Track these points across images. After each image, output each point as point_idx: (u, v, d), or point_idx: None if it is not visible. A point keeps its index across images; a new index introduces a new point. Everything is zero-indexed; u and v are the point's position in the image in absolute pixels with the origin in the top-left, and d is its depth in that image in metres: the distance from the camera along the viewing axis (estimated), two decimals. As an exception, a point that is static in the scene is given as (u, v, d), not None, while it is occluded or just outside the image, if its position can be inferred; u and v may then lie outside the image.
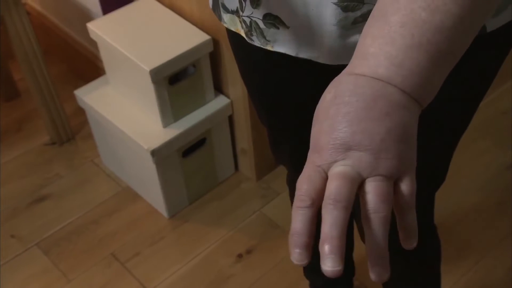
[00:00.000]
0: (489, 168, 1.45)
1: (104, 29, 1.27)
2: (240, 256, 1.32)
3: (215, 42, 1.27)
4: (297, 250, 0.38)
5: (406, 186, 0.40)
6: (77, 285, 1.28)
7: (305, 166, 0.40)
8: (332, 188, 0.37)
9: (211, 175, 1.43)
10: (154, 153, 1.25)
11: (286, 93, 0.73)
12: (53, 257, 1.33)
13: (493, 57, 0.62)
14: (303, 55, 0.60)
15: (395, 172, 0.39)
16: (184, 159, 1.34)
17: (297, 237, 0.38)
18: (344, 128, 0.39)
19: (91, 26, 1.28)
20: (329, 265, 0.36)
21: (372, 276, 0.38)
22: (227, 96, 1.35)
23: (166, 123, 1.28)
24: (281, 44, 0.60)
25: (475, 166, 1.46)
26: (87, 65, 1.65)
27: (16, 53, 1.40)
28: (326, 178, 0.39)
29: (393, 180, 0.40)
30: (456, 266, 1.26)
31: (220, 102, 1.34)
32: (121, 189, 1.47)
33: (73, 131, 1.59)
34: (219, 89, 1.36)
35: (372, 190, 0.38)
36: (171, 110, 1.27)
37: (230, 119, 1.39)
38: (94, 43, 1.41)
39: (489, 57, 0.61)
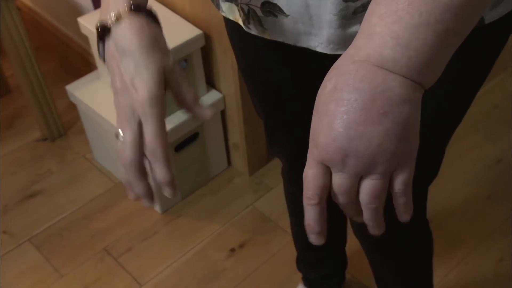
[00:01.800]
0: (480, 161, 1.47)
1: (95, 24, 1.27)
2: (233, 250, 1.32)
3: (206, 36, 1.26)
4: (313, 236, 0.45)
5: (401, 176, 0.42)
6: (69, 280, 1.28)
7: (308, 159, 0.43)
8: (335, 197, 0.43)
9: (203, 170, 1.44)
10: (146, 148, 1.24)
11: (283, 83, 0.72)
12: (45, 253, 1.33)
13: (490, 49, 0.62)
14: (302, 44, 0.60)
15: (392, 169, 0.41)
16: (176, 154, 1.34)
17: (310, 228, 0.44)
18: (343, 132, 0.40)
19: (82, 21, 1.28)
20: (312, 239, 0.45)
21: (371, 229, 0.45)
22: (219, 91, 1.35)
23: (158, 118, 1.28)
24: (279, 32, 0.59)
25: (466, 160, 1.47)
26: (78, 61, 1.64)
27: (7, 49, 1.39)
28: (328, 172, 0.42)
29: (390, 174, 0.42)
30: (448, 259, 1.27)
31: (212, 97, 1.34)
32: (113, 184, 1.46)
33: (65, 127, 1.58)
34: (211, 83, 1.36)
35: (366, 189, 0.42)
36: (163, 105, 1.27)
37: (223, 114, 1.39)
38: (85, 39, 1.41)
39: (486, 48, 0.61)
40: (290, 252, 1.23)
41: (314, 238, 0.44)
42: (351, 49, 0.41)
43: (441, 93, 0.62)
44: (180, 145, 1.34)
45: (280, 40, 0.60)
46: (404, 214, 0.44)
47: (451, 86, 0.62)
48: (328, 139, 0.40)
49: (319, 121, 0.41)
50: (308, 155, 0.43)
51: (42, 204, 1.43)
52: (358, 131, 0.39)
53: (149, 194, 0.51)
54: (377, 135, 0.39)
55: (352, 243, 1.05)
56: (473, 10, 0.40)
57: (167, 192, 0.50)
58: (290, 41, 0.59)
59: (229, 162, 1.49)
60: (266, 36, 0.61)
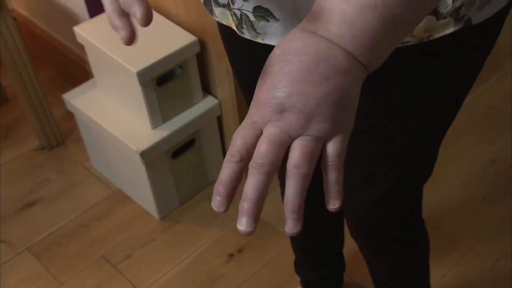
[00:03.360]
0: (475, 162, 1.47)
1: (91, 33, 1.28)
2: (231, 255, 1.32)
3: (201, 43, 1.27)
4: (218, 198, 0.41)
5: (333, 146, 0.41)
6: (69, 288, 1.28)
7: (244, 119, 0.42)
8: (259, 152, 0.40)
9: (201, 175, 1.44)
10: (143, 154, 1.25)
11: None
12: (44, 261, 1.33)
13: (479, 50, 0.62)
14: None
15: (326, 135, 0.41)
16: (173, 160, 1.35)
17: (221, 187, 0.41)
18: (283, 88, 0.40)
19: (78, 29, 1.29)
20: (243, 224, 0.40)
21: (286, 228, 0.41)
22: (215, 96, 1.36)
23: (154, 125, 1.29)
24: (271, 36, 0.61)
25: (462, 161, 1.48)
26: (75, 70, 1.65)
27: (4, 59, 1.40)
28: (259, 135, 0.41)
29: (323, 142, 0.41)
30: (444, 259, 1.27)
31: (208, 102, 1.35)
32: (111, 192, 1.47)
33: (63, 135, 1.59)
34: (207, 90, 1.37)
35: (298, 148, 0.40)
36: (159, 111, 1.28)
37: (219, 119, 1.40)
38: (81, 47, 1.42)
39: (475, 50, 0.62)
40: (288, 256, 1.23)
41: (219, 202, 0.40)
42: (302, 23, 0.43)
43: (432, 93, 0.63)
44: (177, 151, 1.35)
45: (272, 43, 0.61)
46: (333, 197, 0.41)
47: (441, 86, 0.63)
48: (268, 96, 0.41)
49: (263, 81, 0.42)
50: (246, 117, 0.42)
51: (40, 213, 1.43)
52: (298, 89, 0.40)
53: (130, 27, 0.46)
54: (316, 95, 0.40)
55: (350, 246, 1.05)
56: (421, 4, 0.41)
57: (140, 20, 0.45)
58: None
59: (226, 168, 1.50)
60: (259, 40, 0.62)
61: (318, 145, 0.41)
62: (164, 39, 1.26)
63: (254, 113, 0.42)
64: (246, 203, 0.40)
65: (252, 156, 0.40)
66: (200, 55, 1.30)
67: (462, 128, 1.52)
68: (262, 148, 0.40)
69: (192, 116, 1.32)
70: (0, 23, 1.34)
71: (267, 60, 0.42)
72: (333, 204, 0.41)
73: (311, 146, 0.40)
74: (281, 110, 0.40)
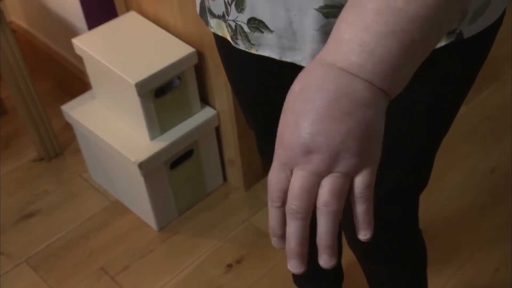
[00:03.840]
0: (473, 171, 1.47)
1: (89, 44, 1.28)
2: (230, 266, 1.32)
3: (199, 54, 1.28)
4: (275, 239, 0.44)
5: (362, 179, 0.42)
6: (67, 300, 1.28)
7: (273, 160, 0.43)
8: (292, 199, 0.41)
9: (199, 186, 1.44)
10: (141, 165, 1.25)
11: (271, 95, 0.74)
12: (42, 273, 1.33)
13: (471, 63, 0.63)
14: (287, 58, 0.61)
15: (353, 170, 0.41)
16: (172, 171, 1.35)
17: (272, 230, 0.43)
18: (306, 128, 0.40)
19: (76, 41, 1.30)
20: (292, 266, 0.43)
21: (321, 262, 0.42)
22: (214, 107, 1.36)
23: (153, 136, 1.29)
24: (265, 47, 0.61)
25: (460, 170, 1.48)
26: (74, 81, 1.66)
27: (2, 71, 1.40)
28: (291, 176, 0.42)
29: (351, 177, 0.42)
30: (443, 270, 1.27)
31: (206, 113, 1.35)
32: (109, 203, 1.47)
33: (61, 146, 1.59)
34: (205, 100, 1.37)
35: (326, 186, 0.41)
36: (157, 122, 1.28)
37: (217, 130, 1.40)
38: (80, 59, 1.43)
39: (467, 62, 0.62)
40: (286, 267, 1.23)
41: (276, 242, 0.43)
42: (320, 54, 0.43)
43: (426, 105, 0.63)
44: (175, 162, 1.35)
45: (266, 54, 0.61)
46: (364, 228, 0.42)
47: (435, 98, 0.63)
48: (292, 137, 0.41)
49: (285, 120, 0.42)
50: (274, 157, 0.43)
51: (38, 224, 1.43)
52: (321, 128, 0.40)
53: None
54: (340, 132, 0.40)
55: (348, 256, 1.05)
56: (439, 23, 0.41)
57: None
58: (275, 55, 0.61)
59: (224, 178, 1.50)
60: (253, 51, 0.62)
61: (346, 181, 0.41)
62: (162, 51, 1.26)
63: (281, 155, 0.42)
64: (290, 247, 0.42)
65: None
66: (198, 66, 1.30)
67: (460, 137, 1.53)
68: (294, 195, 0.41)
69: (191, 127, 1.32)
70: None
71: (288, 96, 0.43)
72: (364, 235, 0.42)
73: (339, 183, 0.41)
74: (308, 151, 0.41)
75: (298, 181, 0.41)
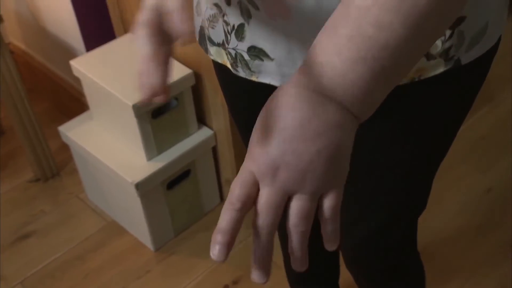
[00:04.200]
0: (470, 191, 1.48)
1: (87, 66, 1.29)
2: (226, 287, 1.31)
3: (197, 75, 1.29)
4: (218, 247, 0.42)
5: (328, 201, 0.43)
6: (62, 322, 1.27)
7: (241, 167, 0.43)
8: (258, 215, 0.42)
9: (196, 206, 1.44)
10: (138, 186, 1.25)
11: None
12: (38, 295, 1.32)
13: (468, 88, 0.64)
14: None
15: (320, 190, 0.42)
16: (168, 191, 1.35)
17: (221, 235, 0.42)
18: (276, 146, 0.41)
19: (74, 63, 1.31)
20: (255, 276, 0.44)
21: (293, 266, 0.45)
22: (210, 127, 1.37)
23: (150, 156, 1.29)
24: (266, 75, 0.62)
25: (456, 190, 1.48)
26: (71, 102, 1.66)
27: (0, 92, 1.41)
28: (257, 183, 0.43)
29: (318, 196, 0.42)
30: (441, 290, 1.27)
31: (203, 133, 1.36)
32: (106, 223, 1.46)
33: (58, 167, 1.59)
34: (202, 120, 1.38)
35: (294, 208, 0.42)
36: (154, 143, 1.29)
37: (214, 150, 1.40)
38: (78, 80, 1.43)
39: (465, 88, 0.63)
40: (283, 287, 1.23)
41: (218, 251, 0.42)
42: (295, 75, 0.43)
43: (424, 130, 0.64)
44: (172, 182, 1.35)
45: (267, 82, 0.62)
46: (330, 242, 0.44)
47: (433, 123, 0.64)
48: (262, 151, 0.42)
49: (257, 135, 0.43)
50: (243, 165, 0.44)
51: (35, 246, 1.42)
52: (291, 147, 0.41)
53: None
54: (309, 152, 0.41)
55: (345, 276, 1.05)
56: (410, 52, 0.42)
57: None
58: (276, 82, 0.62)
59: (221, 198, 1.50)
60: (254, 79, 0.63)
61: (313, 202, 0.42)
62: (160, 72, 1.27)
63: (250, 165, 0.43)
64: (256, 258, 0.43)
65: (250, 205, 0.42)
66: (195, 87, 1.31)
67: (456, 158, 1.53)
68: (262, 211, 0.42)
69: (187, 147, 1.32)
70: (-2, 57, 1.35)
71: (261, 112, 0.43)
72: (331, 247, 0.44)
73: (307, 206, 0.42)
74: (276, 168, 0.41)
75: (265, 197, 0.42)
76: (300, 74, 0.43)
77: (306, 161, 0.41)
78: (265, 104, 0.43)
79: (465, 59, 0.58)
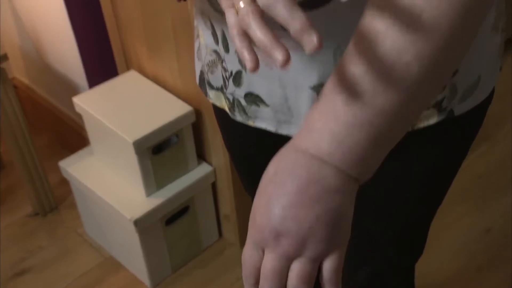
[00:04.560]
0: (468, 232, 1.47)
1: (89, 103, 1.31)
2: (224, 326, 1.30)
3: (197, 112, 1.31)
4: None
5: (329, 264, 0.43)
6: None
7: (247, 237, 0.45)
8: (264, 281, 0.44)
9: (194, 242, 1.44)
10: (137, 222, 1.25)
11: (266, 165, 0.75)
12: (32, 332, 1.30)
13: (462, 138, 0.65)
14: (283, 131, 0.63)
15: (321, 254, 0.43)
16: (167, 227, 1.35)
17: None
18: (277, 212, 0.42)
19: (76, 100, 1.32)
20: None
21: None
22: (210, 163, 1.38)
23: (149, 192, 1.30)
24: (262, 120, 0.63)
25: (455, 230, 1.48)
26: (73, 136, 1.68)
27: (1, 126, 1.42)
28: (263, 251, 0.44)
29: (319, 260, 0.43)
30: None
31: (203, 169, 1.36)
32: (103, 259, 1.46)
33: (57, 201, 1.59)
34: (202, 156, 1.39)
35: (295, 271, 0.43)
36: (154, 179, 1.29)
37: (213, 186, 1.41)
38: (79, 115, 1.45)
39: (458, 138, 0.64)
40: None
41: None
42: (294, 139, 0.45)
43: (419, 178, 0.65)
44: (171, 218, 1.35)
45: (263, 127, 0.63)
46: None
47: (427, 173, 0.64)
48: (263, 218, 0.43)
49: (258, 201, 0.44)
50: (247, 235, 0.45)
51: (32, 282, 1.41)
52: (291, 213, 0.42)
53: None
54: (309, 218, 0.41)
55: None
56: (405, 117, 0.44)
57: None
58: (272, 128, 0.63)
59: (220, 234, 1.49)
60: (250, 123, 0.64)
61: (314, 265, 0.43)
62: (161, 109, 1.29)
63: (253, 234, 0.44)
64: None
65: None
66: (196, 123, 1.32)
67: (454, 197, 1.53)
68: (266, 277, 0.44)
69: (187, 183, 1.33)
70: (0, 93, 1.37)
71: (262, 178, 0.45)
72: None
73: (308, 269, 0.43)
74: (277, 235, 0.42)
75: (269, 263, 0.43)
76: (300, 138, 0.44)
77: (306, 227, 0.42)
78: (266, 170, 0.44)
79: (458, 110, 0.59)
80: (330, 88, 0.44)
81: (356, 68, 0.41)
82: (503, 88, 1.44)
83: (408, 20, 0.40)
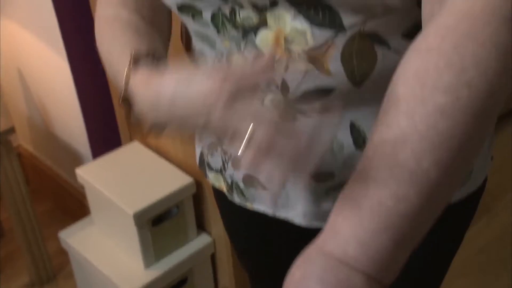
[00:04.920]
0: (471, 306, 1.45)
1: (91, 174, 1.33)
2: None
3: (198, 184, 1.32)
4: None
5: None
6: None
7: None
8: None
9: (192, 316, 1.41)
10: (134, 295, 1.24)
11: (264, 246, 0.76)
12: None
13: (458, 223, 0.66)
14: (280, 214, 0.64)
15: None
16: (164, 300, 1.33)
17: None
18: None
19: (79, 172, 1.34)
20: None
21: None
22: (209, 233, 1.38)
23: (147, 264, 1.29)
24: (260, 203, 0.64)
25: (457, 305, 1.45)
26: (74, 203, 1.68)
27: (3, 194, 1.43)
28: None
29: None
30: None
31: (202, 240, 1.36)
32: (99, 332, 1.42)
33: (54, 270, 1.58)
34: (201, 227, 1.39)
35: None
36: (153, 250, 1.29)
37: (213, 257, 1.40)
38: (82, 185, 1.46)
39: (452, 225, 0.65)
40: None
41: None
42: (319, 240, 0.45)
43: (413, 265, 0.65)
44: (169, 291, 1.33)
45: (261, 209, 0.64)
46: None
47: (423, 259, 0.65)
48: None
49: None
50: None
51: None
52: None
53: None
54: None
55: None
56: (427, 218, 0.45)
57: None
58: (269, 211, 0.64)
59: (218, 307, 1.47)
60: (248, 205, 0.65)
61: None
62: (162, 181, 1.30)
63: None
64: None
65: None
66: (196, 194, 1.33)
67: (454, 273, 1.51)
68: None
69: (186, 255, 1.32)
70: (3, 160, 1.38)
71: (288, 280, 0.44)
72: None
73: None
74: None
75: None
76: (324, 240, 0.44)
77: None
78: (290, 273, 0.44)
79: (454, 197, 0.60)
80: (351, 193, 0.44)
81: (377, 174, 0.43)
82: (501, 160, 1.46)
83: (425, 129, 0.42)
